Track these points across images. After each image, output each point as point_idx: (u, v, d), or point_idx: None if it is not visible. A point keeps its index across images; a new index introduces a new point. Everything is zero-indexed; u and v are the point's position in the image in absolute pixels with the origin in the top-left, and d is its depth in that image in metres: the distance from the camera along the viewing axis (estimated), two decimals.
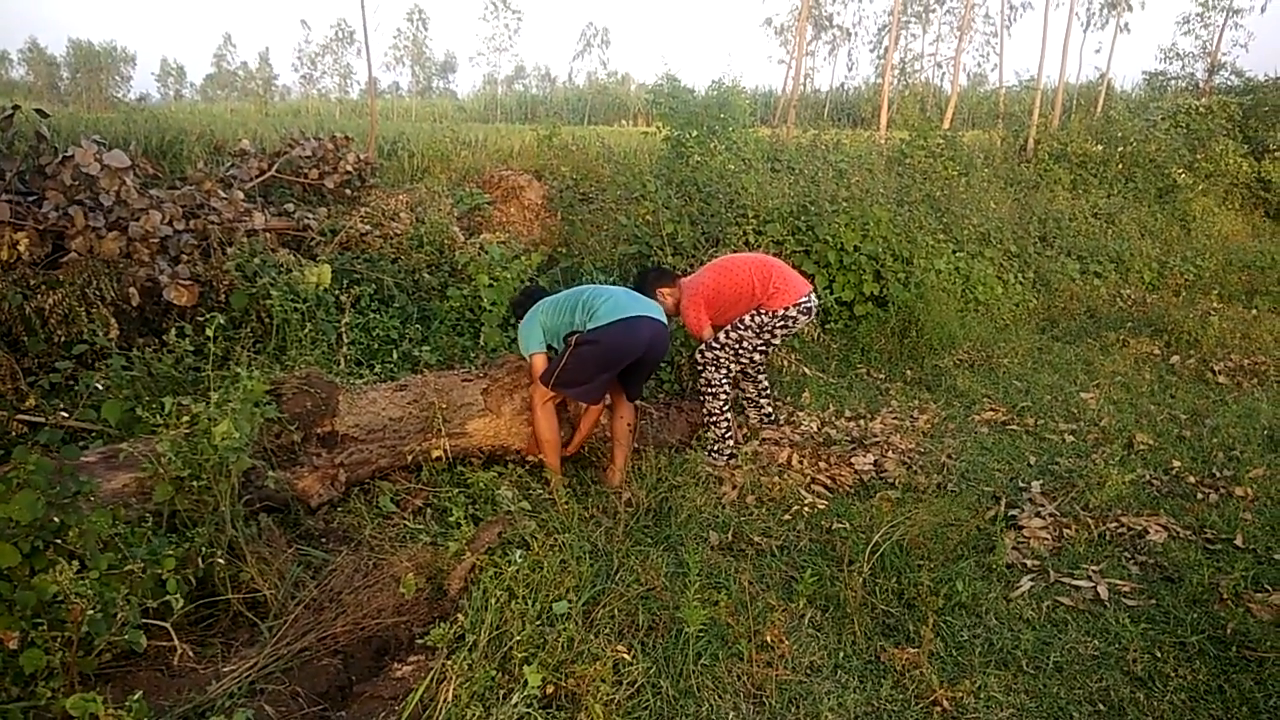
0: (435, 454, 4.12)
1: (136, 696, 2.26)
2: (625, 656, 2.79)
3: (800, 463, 4.63)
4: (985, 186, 11.42)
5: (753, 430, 5.09)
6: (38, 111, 5.80)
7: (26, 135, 6.32)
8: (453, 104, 40.86)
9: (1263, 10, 31.28)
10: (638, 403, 4.57)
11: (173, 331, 4.47)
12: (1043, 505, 4.24)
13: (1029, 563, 3.71)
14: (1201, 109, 15.69)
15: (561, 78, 64.84)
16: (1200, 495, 4.44)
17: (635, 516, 3.94)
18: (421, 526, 3.67)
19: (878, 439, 5.01)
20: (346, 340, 5.05)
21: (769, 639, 2.95)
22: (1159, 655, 3.06)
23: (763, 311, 4.78)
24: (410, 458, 4.10)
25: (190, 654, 2.71)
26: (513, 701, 2.52)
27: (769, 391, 5.30)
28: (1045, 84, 17.31)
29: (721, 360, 4.80)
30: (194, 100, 53.76)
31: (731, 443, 4.78)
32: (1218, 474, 4.71)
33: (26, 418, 3.81)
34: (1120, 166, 13.75)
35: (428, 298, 6.10)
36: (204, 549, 2.93)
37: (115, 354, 4.34)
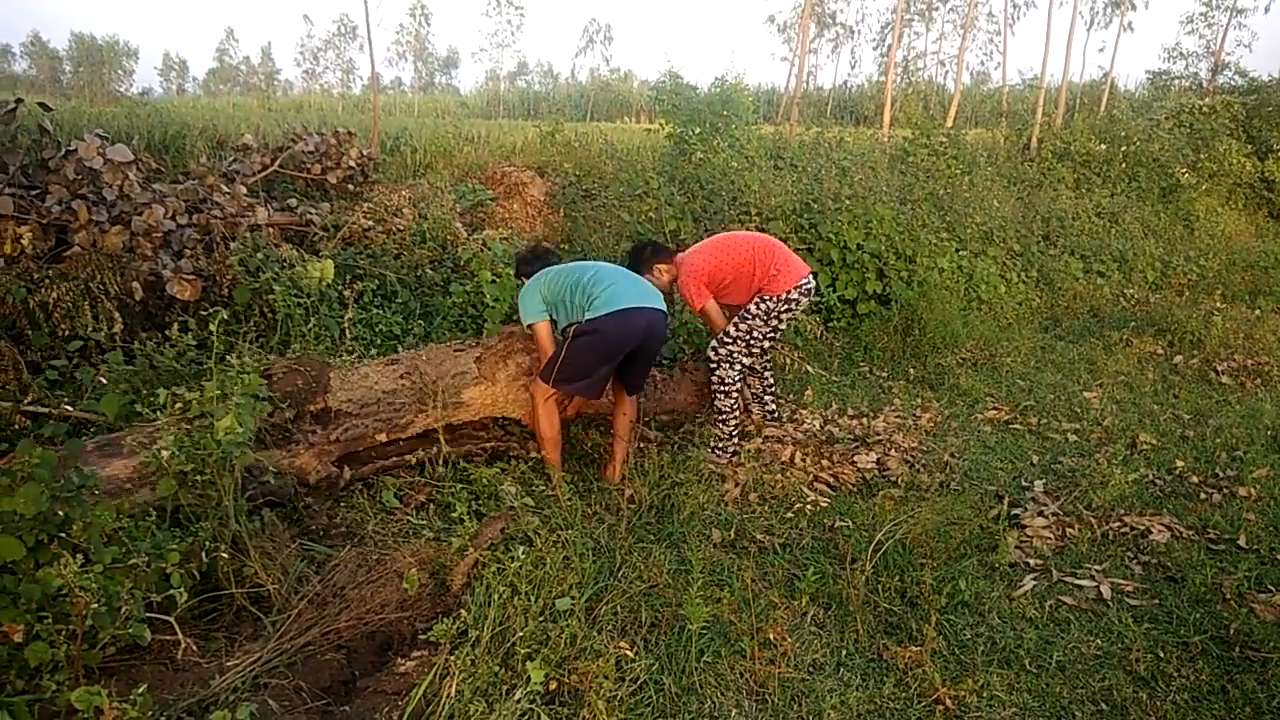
0: (433, 424, 4.06)
1: (141, 690, 2.26)
2: (628, 653, 2.80)
3: (803, 461, 4.63)
4: (988, 185, 11.40)
5: (756, 427, 5.09)
6: (41, 105, 5.81)
7: (29, 129, 6.33)
8: (455, 100, 40.87)
9: (1266, 10, 31.40)
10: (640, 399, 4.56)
11: (175, 326, 4.47)
12: (1046, 504, 4.24)
13: (1032, 562, 3.71)
14: (1205, 108, 15.65)
15: (564, 74, 64.91)
16: (1203, 495, 4.44)
17: (638, 513, 3.94)
18: (425, 522, 3.67)
19: (880, 437, 5.01)
20: (350, 336, 5.05)
21: (771, 636, 2.96)
22: (1162, 655, 3.05)
23: (767, 297, 4.74)
24: (410, 430, 4.05)
25: (194, 648, 2.71)
26: (515, 697, 2.51)
27: (774, 388, 5.29)
28: (1049, 82, 17.31)
29: (735, 356, 4.76)
30: (196, 95, 53.76)
31: (736, 441, 4.77)
32: (1221, 474, 4.71)
33: (30, 408, 3.81)
34: (1124, 166, 13.73)
35: (430, 294, 6.10)
36: (207, 543, 2.93)
37: (113, 349, 4.35)
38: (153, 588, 2.67)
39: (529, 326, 4.22)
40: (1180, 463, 4.84)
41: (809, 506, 4.13)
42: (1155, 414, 5.70)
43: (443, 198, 7.57)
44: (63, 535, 2.52)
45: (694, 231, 7.05)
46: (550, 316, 4.20)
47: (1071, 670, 2.98)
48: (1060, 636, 3.17)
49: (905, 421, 5.34)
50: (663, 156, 9.83)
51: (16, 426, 3.72)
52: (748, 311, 4.79)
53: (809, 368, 6.26)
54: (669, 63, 37.41)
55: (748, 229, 7.06)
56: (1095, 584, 3.52)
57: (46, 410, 3.83)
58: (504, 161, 10.11)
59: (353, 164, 7.99)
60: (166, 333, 4.49)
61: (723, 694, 2.76)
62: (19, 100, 5.67)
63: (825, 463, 4.64)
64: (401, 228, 6.68)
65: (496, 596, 2.90)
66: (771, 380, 5.27)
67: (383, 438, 4.00)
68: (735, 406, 4.78)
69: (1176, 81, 24.04)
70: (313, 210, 6.77)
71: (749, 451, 4.61)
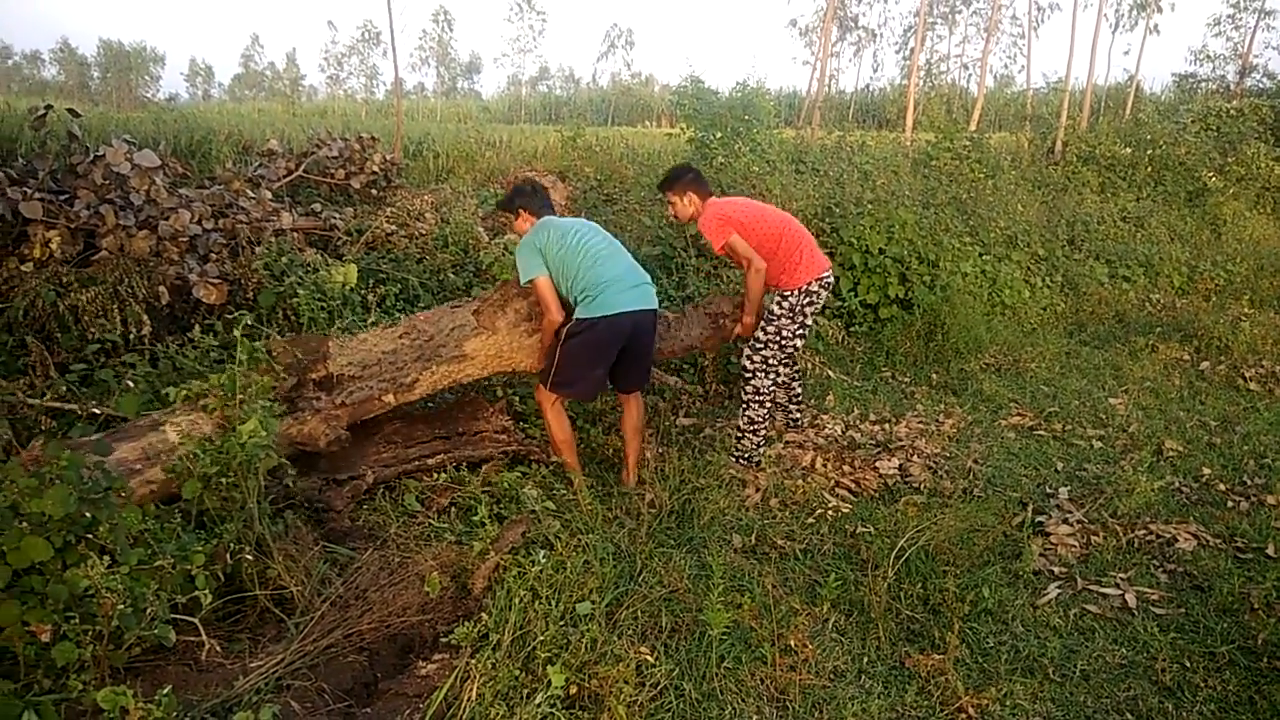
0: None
1: (165, 690, 2.28)
2: (648, 658, 2.79)
3: (824, 466, 4.61)
4: (1012, 189, 11.32)
5: (777, 433, 5.06)
6: (69, 111, 5.89)
7: (58, 134, 6.43)
8: (477, 105, 41.01)
9: None
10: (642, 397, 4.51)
11: (197, 328, 4.52)
12: (1070, 512, 4.19)
13: (1056, 570, 3.68)
14: (1232, 111, 15.49)
15: (585, 79, 65.02)
16: (1230, 503, 4.38)
17: (658, 518, 3.94)
18: (446, 525, 3.68)
19: (903, 443, 4.97)
20: None
21: (792, 643, 2.94)
22: (1188, 665, 3.02)
23: (788, 293, 4.64)
24: (416, 390, 4.00)
25: (218, 649, 2.74)
26: (536, 701, 2.52)
27: (800, 397, 5.24)
28: (1073, 86, 17.19)
29: (770, 363, 4.65)
30: (222, 100, 54.31)
31: (763, 450, 4.73)
32: (1249, 482, 4.64)
33: (55, 405, 3.87)
34: (1149, 169, 13.59)
35: (452, 298, 6.13)
36: (232, 545, 2.96)
37: (129, 352, 4.42)
38: (178, 589, 2.70)
39: (529, 282, 4.07)
40: (1207, 470, 4.77)
41: (830, 512, 4.11)
42: (1181, 421, 5.63)
43: (465, 202, 7.61)
44: (90, 536, 2.56)
45: None
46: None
47: (1096, 679, 2.94)
48: (1085, 645, 3.14)
49: (928, 427, 5.31)
50: (684, 161, 9.84)
51: (43, 426, 3.78)
52: (771, 312, 4.70)
53: (830, 373, 6.23)
54: (690, 67, 37.36)
55: None
56: (1120, 592, 3.48)
57: (74, 407, 3.88)
58: (526, 166, 10.16)
59: (376, 169, 8.05)
60: (189, 335, 4.54)
61: (743, 700, 2.75)
62: (48, 106, 5.76)
63: (847, 468, 4.62)
64: (424, 232, 6.72)
65: (517, 600, 2.90)
66: (799, 389, 5.22)
67: (390, 399, 3.94)
68: (767, 417, 4.72)
69: (1203, 84, 23.83)
70: (336, 215, 6.83)
71: (770, 457, 4.59)
